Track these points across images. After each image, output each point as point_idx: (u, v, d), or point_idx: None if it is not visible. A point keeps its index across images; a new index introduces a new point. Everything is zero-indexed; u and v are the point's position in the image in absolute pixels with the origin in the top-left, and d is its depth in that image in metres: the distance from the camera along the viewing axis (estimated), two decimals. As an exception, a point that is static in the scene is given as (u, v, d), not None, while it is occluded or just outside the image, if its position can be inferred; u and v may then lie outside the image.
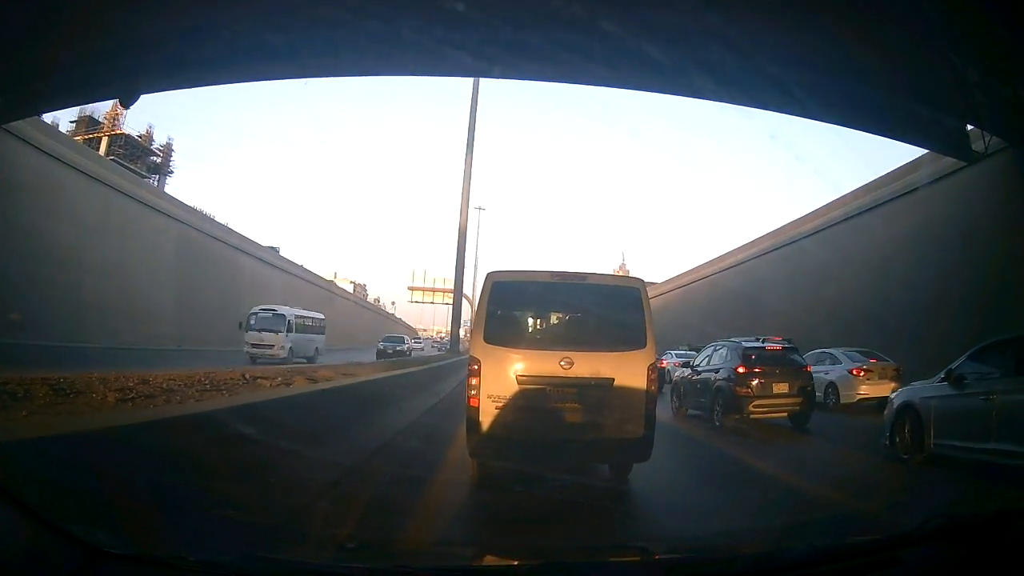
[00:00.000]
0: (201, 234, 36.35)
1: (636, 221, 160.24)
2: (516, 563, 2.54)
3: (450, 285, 37.16)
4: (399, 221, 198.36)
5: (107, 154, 46.61)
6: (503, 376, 5.84)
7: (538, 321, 6.91)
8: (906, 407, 8.20)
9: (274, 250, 52.95)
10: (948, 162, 18.26)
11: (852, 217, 24.29)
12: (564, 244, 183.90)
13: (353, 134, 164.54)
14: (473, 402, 5.81)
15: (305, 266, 58.20)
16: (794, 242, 28.72)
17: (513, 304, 6.54)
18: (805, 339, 19.64)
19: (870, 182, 23.72)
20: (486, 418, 5.76)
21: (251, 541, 2.61)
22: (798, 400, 11.55)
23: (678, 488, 6.92)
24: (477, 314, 6.40)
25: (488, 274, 6.37)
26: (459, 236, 28.28)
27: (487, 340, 6.02)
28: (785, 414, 11.66)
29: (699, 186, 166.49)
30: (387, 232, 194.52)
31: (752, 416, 11.27)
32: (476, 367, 5.90)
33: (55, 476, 2.34)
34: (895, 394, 8.95)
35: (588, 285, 6.46)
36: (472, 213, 64.58)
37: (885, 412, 8.70)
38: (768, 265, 30.94)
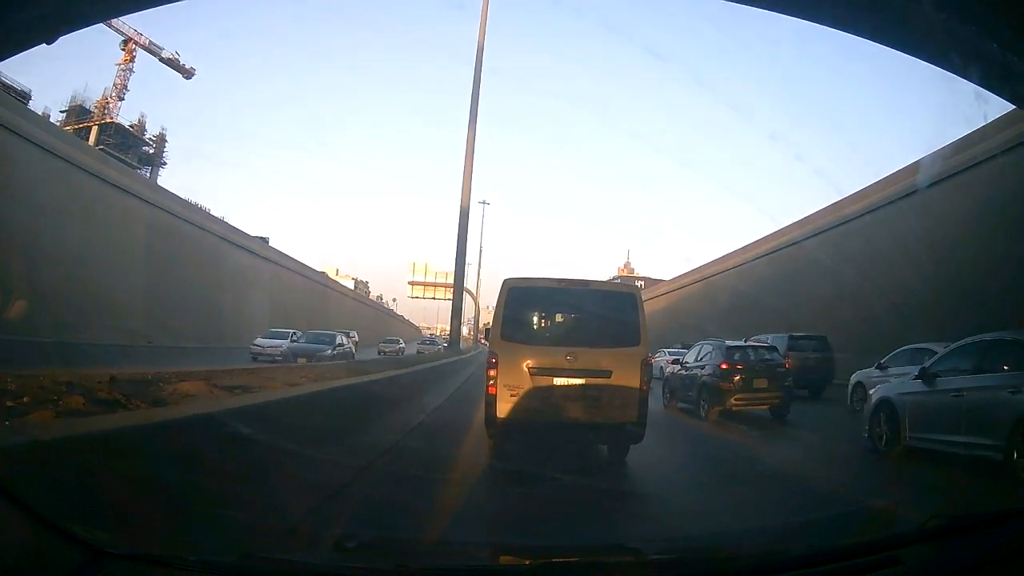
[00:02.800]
0: (178, 220, 33.11)
1: (641, 220, 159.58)
2: (516, 563, 2.54)
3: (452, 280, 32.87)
4: (401, 215, 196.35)
5: (96, 143, 44.76)
6: (517, 368, 6.69)
7: (547, 321, 7.77)
8: (883, 402, 8.57)
9: (263, 240, 49.41)
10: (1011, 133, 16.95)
11: (899, 199, 22.05)
12: (569, 241, 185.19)
13: (353, 129, 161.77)
14: (491, 390, 6.67)
15: (298, 259, 53.66)
16: (834, 227, 26.41)
17: (526, 306, 7.30)
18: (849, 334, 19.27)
19: (922, 158, 21.56)
20: (502, 404, 6.63)
21: (251, 541, 2.59)
22: (777, 395, 12.21)
23: (667, 465, 7.68)
24: (495, 315, 7.19)
25: (504, 281, 7.10)
26: (460, 217, 24.67)
27: (503, 337, 6.87)
28: (765, 407, 12.32)
29: (703, 185, 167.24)
30: (388, 228, 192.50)
31: (733, 408, 11.93)
32: (494, 360, 6.74)
33: (56, 477, 2.32)
34: (873, 390, 9.30)
35: (590, 290, 7.41)
36: (476, 208, 61.14)
37: (864, 406, 8.98)
38: (810, 250, 27.69)
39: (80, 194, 25.06)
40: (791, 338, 17.50)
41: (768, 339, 16.14)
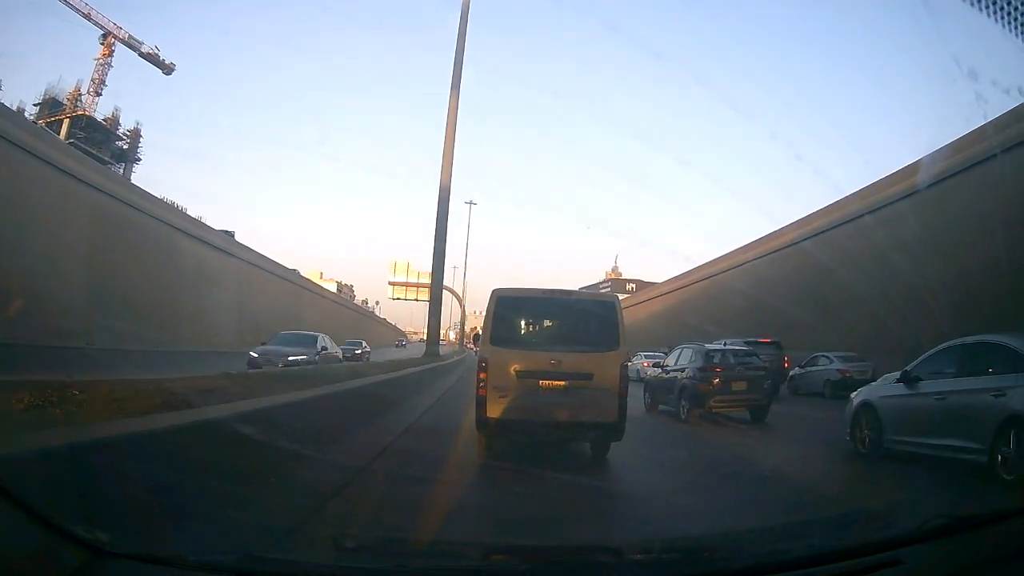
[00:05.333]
0: (125, 206, 28.60)
1: (634, 222, 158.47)
2: (516, 563, 2.54)
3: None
4: (386, 217, 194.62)
5: (67, 137, 42.92)
6: (505, 371, 7.12)
7: (533, 327, 8.19)
8: (865, 405, 8.58)
9: (228, 235, 45.43)
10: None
11: (903, 198, 21.44)
12: (559, 246, 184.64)
13: (342, 130, 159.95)
14: (482, 391, 7.08)
15: (270, 256, 49.22)
16: (836, 226, 25.98)
17: (514, 314, 7.78)
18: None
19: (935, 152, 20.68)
20: (492, 404, 7.02)
21: (251, 541, 2.57)
22: (756, 397, 12.36)
23: (649, 458, 8.30)
24: (484, 322, 7.62)
25: (494, 290, 7.58)
26: (440, 195, 20.90)
27: (492, 343, 7.29)
28: (744, 409, 12.44)
29: (699, 186, 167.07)
30: (374, 230, 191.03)
31: (713, 410, 12.05)
32: (484, 364, 7.18)
33: (58, 478, 2.31)
34: (855, 393, 9.31)
35: (573, 299, 8.04)
36: (463, 208, 58.28)
37: (846, 409, 9.01)
38: (813, 250, 26.80)
39: (8, 172, 21.48)
40: (745, 343, 17.86)
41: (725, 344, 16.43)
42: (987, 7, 4.52)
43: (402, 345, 77.53)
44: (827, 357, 19.92)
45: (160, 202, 34.63)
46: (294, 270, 58.51)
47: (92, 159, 33.00)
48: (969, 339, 7.56)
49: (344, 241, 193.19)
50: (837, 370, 18.96)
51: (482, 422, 7.11)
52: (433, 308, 22.24)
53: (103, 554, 1.93)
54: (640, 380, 17.28)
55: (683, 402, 12.35)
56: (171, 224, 33.12)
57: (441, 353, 24.16)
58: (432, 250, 21.54)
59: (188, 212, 41.18)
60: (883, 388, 8.65)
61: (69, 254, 23.37)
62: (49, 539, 1.88)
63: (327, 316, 62.27)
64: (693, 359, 12.85)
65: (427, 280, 37.49)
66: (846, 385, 17.41)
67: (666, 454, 9.08)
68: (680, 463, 8.38)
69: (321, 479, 4.72)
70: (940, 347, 7.93)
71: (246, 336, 33.97)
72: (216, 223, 47.03)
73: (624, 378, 7.14)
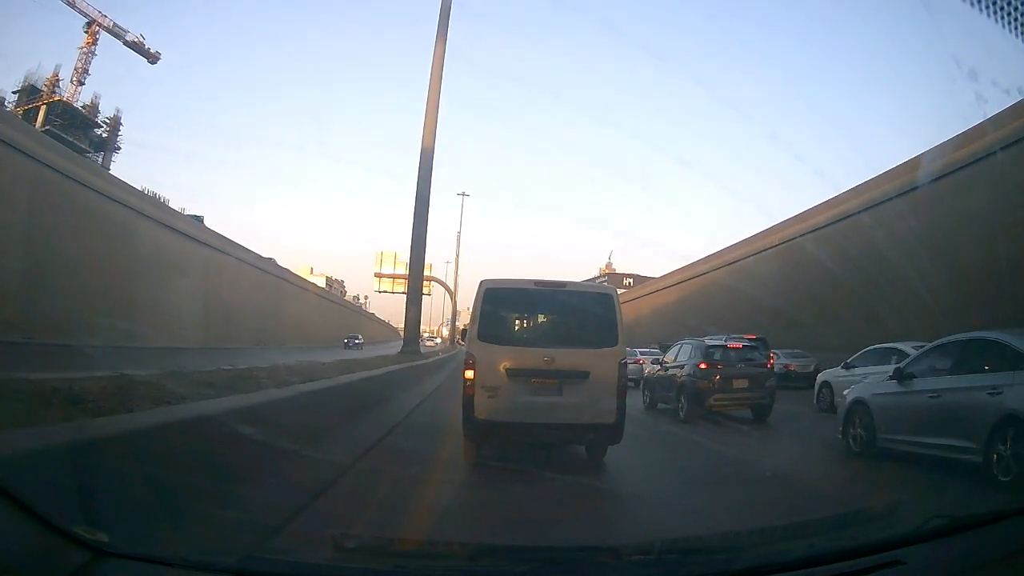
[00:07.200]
0: (73, 183, 25.68)
1: (631, 218, 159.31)
2: (515, 563, 2.54)
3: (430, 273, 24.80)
4: (375, 209, 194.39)
5: (44, 124, 42.11)
6: (494, 369, 6.69)
7: (524, 322, 7.81)
8: (858, 403, 8.48)
9: (197, 219, 42.97)
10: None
11: (898, 196, 21.54)
12: (553, 241, 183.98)
13: (334, 126, 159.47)
14: (468, 391, 6.65)
15: (246, 245, 45.92)
16: (834, 223, 25.60)
17: (503, 307, 7.35)
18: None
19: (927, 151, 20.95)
20: (480, 405, 6.61)
21: (251, 541, 2.56)
22: (758, 395, 12.17)
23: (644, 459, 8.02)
24: (472, 316, 7.21)
25: (481, 282, 7.13)
26: (422, 159, 18.06)
27: (480, 338, 6.86)
28: (745, 407, 12.28)
29: (698, 184, 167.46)
30: (363, 224, 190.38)
31: (713, 408, 11.86)
32: (471, 361, 6.75)
33: (57, 478, 2.31)
34: (848, 391, 9.28)
35: (567, 292, 7.40)
36: (456, 200, 55.81)
37: (838, 408, 8.94)
38: (812, 247, 26.05)
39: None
40: (729, 339, 17.70)
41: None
42: (987, 7, 4.53)
43: (355, 344, 53.83)
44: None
45: (114, 178, 31.88)
46: (270, 259, 54.46)
47: (43, 135, 29.71)
48: (964, 335, 7.45)
49: (336, 237, 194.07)
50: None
51: (470, 423, 6.70)
52: (412, 297, 18.82)
53: (103, 554, 1.94)
54: (635, 378, 17.18)
55: (682, 400, 12.15)
56: (126, 204, 30.11)
57: (424, 351, 21.35)
58: (411, 232, 18.32)
59: (166, 202, 39.64)
60: (877, 386, 8.55)
61: (3, 235, 21.10)
62: (49, 539, 1.88)
63: (310, 311, 59.92)
64: (692, 355, 12.64)
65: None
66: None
67: (662, 454, 9.03)
68: (678, 462, 8.33)
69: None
70: (935, 343, 7.85)
71: (214, 331, 33.01)
72: (209, 223, 45.60)
73: (623, 377, 6.76)
